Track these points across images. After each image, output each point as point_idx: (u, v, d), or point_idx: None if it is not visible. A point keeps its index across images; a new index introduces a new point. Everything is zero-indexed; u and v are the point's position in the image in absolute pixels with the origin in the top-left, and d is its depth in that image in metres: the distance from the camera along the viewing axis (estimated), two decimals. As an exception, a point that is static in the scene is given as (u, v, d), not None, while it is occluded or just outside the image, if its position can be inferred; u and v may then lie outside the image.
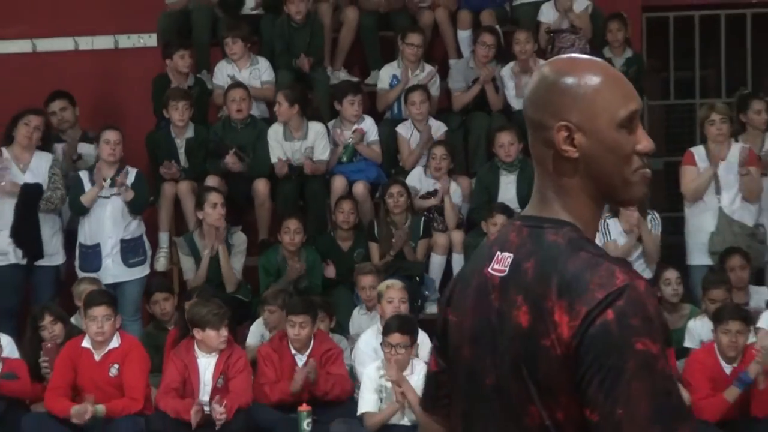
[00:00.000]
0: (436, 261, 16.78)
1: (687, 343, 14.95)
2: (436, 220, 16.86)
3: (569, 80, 4.15)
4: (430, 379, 4.61)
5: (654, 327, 3.88)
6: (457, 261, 16.63)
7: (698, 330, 14.98)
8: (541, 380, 4.01)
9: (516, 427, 4.10)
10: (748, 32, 19.70)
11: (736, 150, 16.60)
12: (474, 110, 17.97)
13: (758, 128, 17.05)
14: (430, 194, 16.88)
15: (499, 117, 17.70)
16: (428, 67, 18.18)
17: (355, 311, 15.79)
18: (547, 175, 4.22)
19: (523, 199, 16.58)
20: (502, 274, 4.16)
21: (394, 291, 14.73)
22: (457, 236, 16.74)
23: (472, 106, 18.00)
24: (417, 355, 13.88)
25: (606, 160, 4.14)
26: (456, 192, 17.10)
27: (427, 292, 16.52)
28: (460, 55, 18.53)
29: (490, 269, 4.21)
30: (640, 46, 18.90)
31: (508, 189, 17.01)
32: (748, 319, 14.11)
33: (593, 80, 4.15)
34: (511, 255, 4.16)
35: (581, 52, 17.82)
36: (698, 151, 16.82)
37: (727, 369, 13.81)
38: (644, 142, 4.12)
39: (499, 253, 4.20)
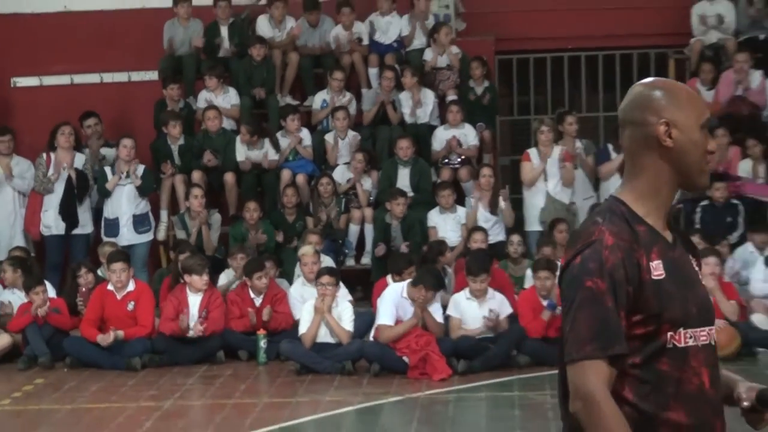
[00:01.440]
0: (353, 229, 16.92)
1: (526, 285, 14.71)
2: (353, 201, 17.05)
3: (666, 91, 4.05)
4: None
5: (604, 271, 3.83)
6: (369, 229, 16.80)
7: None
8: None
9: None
10: (566, 68, 19.52)
11: (557, 151, 16.78)
12: (380, 124, 18.02)
13: (571, 135, 17.06)
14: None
15: (397, 128, 17.70)
16: (348, 94, 18.11)
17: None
18: (632, 163, 4.08)
19: (415, 186, 16.91)
20: None
21: (307, 257, 14.81)
22: (368, 212, 16.87)
23: (378, 120, 18.05)
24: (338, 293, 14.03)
25: (691, 153, 4.01)
26: (367, 181, 17.23)
27: (346, 251, 16.76)
28: (369, 86, 18.38)
29: None
30: (494, 79, 18.71)
31: (403, 178, 17.04)
32: (555, 268, 13.80)
33: (684, 91, 4.09)
34: None
35: (453, 84, 18.10)
36: (532, 152, 16.90)
37: (544, 302, 13.63)
38: (713, 144, 4.06)
39: None
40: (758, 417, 4.10)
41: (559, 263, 14.49)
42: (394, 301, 13.59)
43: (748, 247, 15.78)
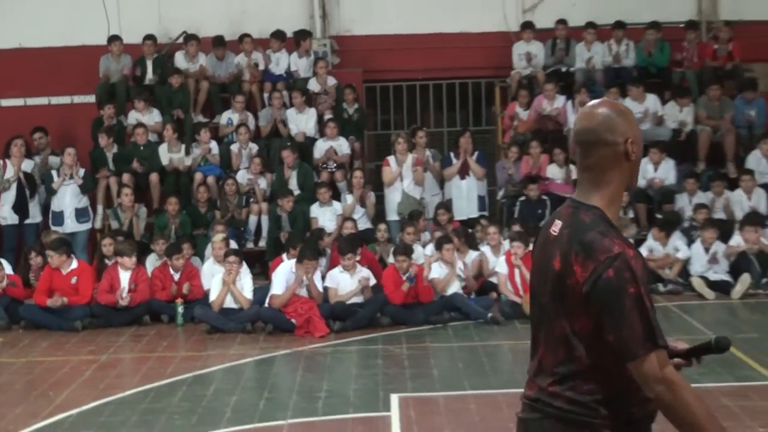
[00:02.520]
0: (252, 220, 16.85)
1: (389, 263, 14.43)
2: (252, 197, 16.96)
3: (624, 114, 3.93)
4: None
5: (638, 278, 3.69)
6: (264, 220, 16.73)
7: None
8: (568, 306, 3.81)
9: (552, 332, 3.87)
10: (417, 94, 19.54)
11: (410, 158, 16.83)
12: (273, 137, 17.97)
13: (422, 146, 17.16)
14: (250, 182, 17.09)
15: (286, 140, 17.65)
16: (248, 114, 18.11)
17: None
18: (599, 176, 3.92)
19: (300, 185, 16.89)
20: (554, 234, 3.89)
21: (217, 243, 14.72)
22: (264, 206, 16.81)
23: (272, 134, 17.96)
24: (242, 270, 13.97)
25: (637, 162, 3.94)
26: (263, 181, 17.11)
27: (247, 236, 16.71)
28: (264, 106, 18.35)
29: (551, 230, 3.92)
30: (362, 102, 18.72)
31: (292, 180, 16.99)
32: (409, 251, 13.92)
33: (631, 112, 3.99)
34: (561, 223, 3.91)
35: (330, 105, 18.13)
36: (391, 159, 16.93)
37: (404, 277, 13.63)
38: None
39: (556, 221, 3.93)
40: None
41: (414, 247, 14.65)
42: (285, 275, 13.58)
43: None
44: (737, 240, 15.32)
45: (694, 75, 18.37)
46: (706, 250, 15.28)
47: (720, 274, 15.15)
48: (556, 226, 3.91)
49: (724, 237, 15.49)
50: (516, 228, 15.20)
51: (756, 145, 17.19)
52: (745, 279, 14.74)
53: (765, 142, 17.02)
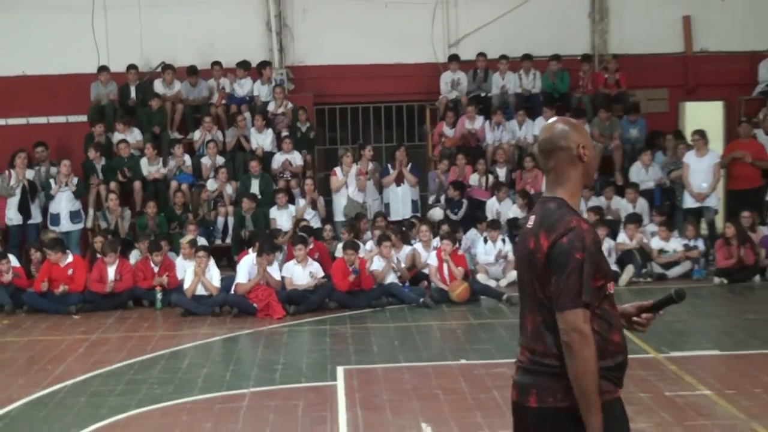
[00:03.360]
0: (220, 220, 16.66)
1: (337, 256, 14.62)
2: (220, 201, 16.82)
3: (573, 125, 4.08)
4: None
5: (586, 247, 3.83)
6: (230, 221, 16.53)
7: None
8: (538, 274, 3.93)
9: (532, 302, 3.98)
10: (360, 115, 19.45)
11: (354, 169, 16.89)
12: (238, 151, 17.85)
13: (367, 159, 17.17)
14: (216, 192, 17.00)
15: (249, 154, 17.54)
16: (217, 131, 18.01)
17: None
18: (559, 175, 4.04)
19: (261, 191, 16.78)
20: (530, 227, 4.02)
21: (184, 244, 14.65)
22: (230, 209, 16.63)
23: (236, 149, 17.86)
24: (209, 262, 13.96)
25: (593, 162, 4.11)
26: (229, 188, 16.97)
27: (215, 234, 16.56)
28: (230, 126, 18.18)
29: (527, 225, 4.04)
30: (313, 121, 18.64)
31: (254, 186, 16.89)
32: (356, 246, 13.97)
33: (580, 124, 4.14)
34: (534, 216, 4.04)
35: (286, 125, 18.06)
36: (338, 170, 16.98)
37: (351, 268, 13.64)
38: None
39: (531, 216, 4.05)
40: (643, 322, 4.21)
41: (362, 244, 14.70)
42: (248, 267, 13.56)
43: (473, 232, 16.09)
44: (623, 237, 15.50)
45: (589, 99, 18.53)
46: (600, 245, 15.40)
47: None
48: (531, 221, 4.03)
49: (614, 235, 15.67)
50: (445, 228, 15.26)
51: (638, 158, 17.38)
52: (630, 269, 14.91)
53: (645, 155, 17.23)
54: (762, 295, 14.19)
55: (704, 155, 16.29)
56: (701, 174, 16.23)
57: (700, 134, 16.47)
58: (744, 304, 13.04)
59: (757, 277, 14.80)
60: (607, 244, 15.31)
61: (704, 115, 18.98)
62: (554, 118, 4.20)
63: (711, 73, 19.00)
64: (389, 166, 17.43)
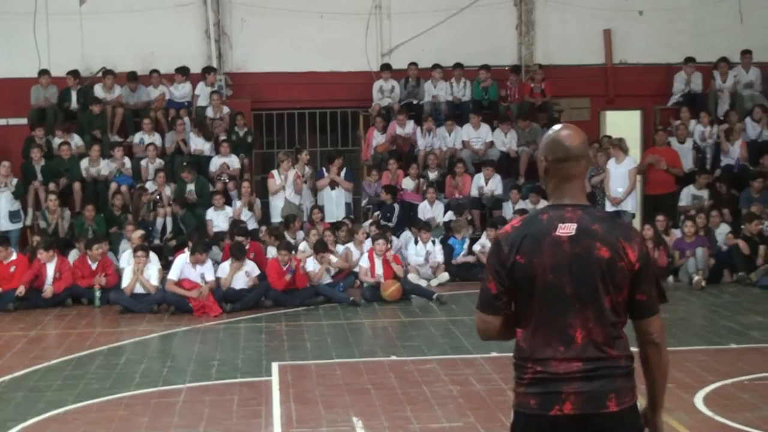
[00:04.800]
0: (159, 221, 16.48)
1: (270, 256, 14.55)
2: (159, 202, 16.61)
3: (584, 136, 3.91)
4: (492, 296, 3.75)
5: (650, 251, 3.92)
6: (168, 221, 16.38)
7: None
8: (615, 282, 3.66)
9: (600, 308, 3.67)
10: (296, 120, 19.31)
11: (292, 172, 16.70)
12: (177, 154, 17.64)
13: (304, 163, 17.08)
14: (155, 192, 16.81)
15: (187, 157, 17.41)
16: (157, 134, 17.80)
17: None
18: (582, 182, 3.82)
19: (199, 193, 16.63)
20: (570, 234, 3.68)
21: (135, 238, 14.56)
22: (168, 210, 16.44)
23: (177, 152, 17.66)
24: (150, 260, 13.80)
25: None
26: (167, 190, 16.70)
27: (154, 234, 16.31)
28: (169, 129, 18.02)
29: (557, 233, 3.68)
30: (251, 126, 18.43)
31: (191, 190, 16.75)
32: (290, 247, 13.96)
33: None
34: (574, 224, 3.70)
35: (224, 129, 17.94)
36: (275, 173, 16.79)
37: (284, 268, 13.57)
38: None
39: (560, 224, 3.70)
40: None
41: (299, 245, 14.60)
42: (180, 264, 13.47)
43: (407, 233, 16.12)
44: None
45: (516, 107, 18.68)
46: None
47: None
48: (568, 229, 3.70)
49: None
50: (374, 229, 15.26)
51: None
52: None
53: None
54: (674, 295, 14.29)
55: (621, 162, 16.51)
56: (618, 179, 16.44)
57: (616, 142, 16.71)
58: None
59: (670, 278, 14.99)
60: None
61: (623, 124, 19.26)
62: (565, 125, 3.94)
63: (629, 84, 19.31)
64: (324, 169, 17.38)
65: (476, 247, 15.71)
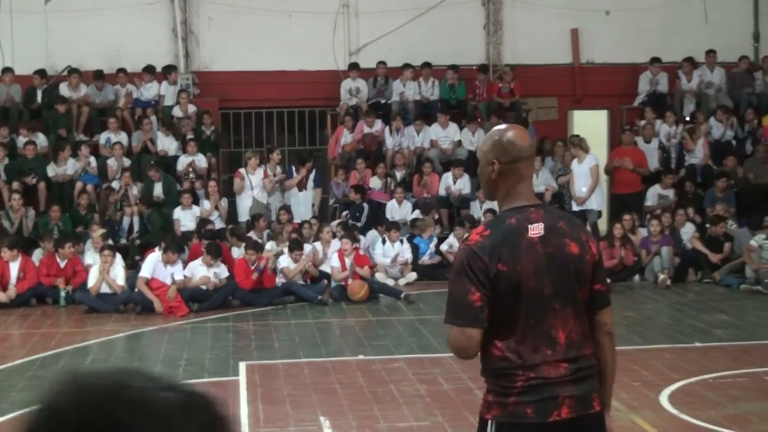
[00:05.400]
0: (126, 220, 16.38)
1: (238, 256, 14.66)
2: (126, 201, 16.55)
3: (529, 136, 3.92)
4: (477, 308, 3.56)
5: None
6: (136, 220, 16.30)
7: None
8: (584, 277, 3.67)
9: (576, 306, 3.65)
10: (264, 119, 19.31)
11: (260, 171, 16.70)
12: (143, 153, 17.58)
13: (275, 162, 17.04)
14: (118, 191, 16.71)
15: (154, 156, 17.36)
16: (123, 134, 17.70)
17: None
18: (530, 181, 3.81)
19: (166, 192, 16.59)
20: (540, 234, 3.64)
21: (96, 237, 14.50)
22: (135, 209, 16.38)
23: (144, 151, 17.57)
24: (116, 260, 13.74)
25: None
26: (134, 189, 16.66)
27: (120, 234, 16.24)
28: (136, 129, 17.91)
29: (529, 234, 3.63)
30: (218, 125, 18.42)
31: (158, 188, 16.66)
32: (259, 248, 13.92)
33: None
34: (541, 223, 3.66)
35: (191, 128, 17.84)
36: (243, 172, 16.75)
37: (253, 266, 13.58)
38: None
39: (530, 225, 3.65)
40: None
41: (265, 244, 14.56)
42: (153, 263, 13.40)
43: (374, 232, 16.11)
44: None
45: (485, 107, 18.73)
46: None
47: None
48: (537, 229, 3.67)
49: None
50: (341, 232, 15.24)
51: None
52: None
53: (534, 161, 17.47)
54: (641, 293, 14.49)
55: (583, 161, 16.61)
56: (582, 179, 16.55)
57: (576, 141, 16.80)
58: (624, 303, 13.28)
59: (637, 277, 15.11)
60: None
61: (590, 123, 19.38)
62: (509, 126, 3.92)
63: (596, 84, 19.41)
64: (293, 169, 17.35)
65: (443, 247, 15.74)
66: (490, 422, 3.68)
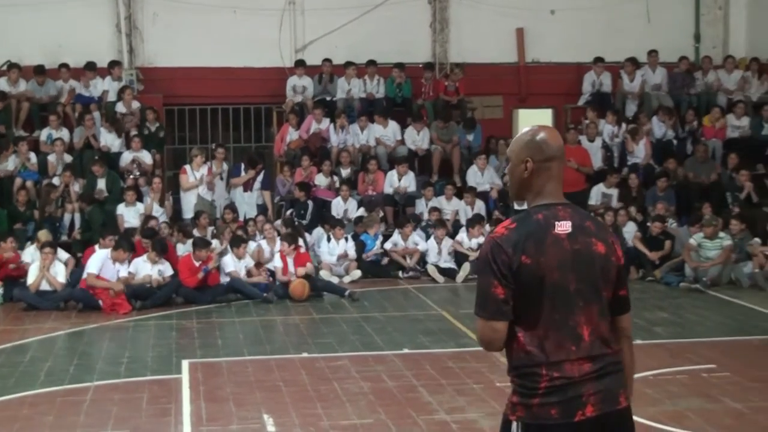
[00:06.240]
0: (67, 217, 16.11)
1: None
2: (68, 198, 16.27)
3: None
4: (501, 301, 3.58)
5: None
6: (77, 217, 16.06)
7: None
8: (609, 278, 3.68)
9: (601, 305, 3.65)
10: (209, 116, 19.30)
11: (205, 168, 16.63)
12: (86, 149, 17.28)
13: (219, 160, 17.02)
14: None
15: (97, 152, 17.08)
16: (65, 130, 17.43)
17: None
18: (561, 181, 3.76)
19: (109, 188, 16.41)
20: (567, 231, 3.64)
21: (43, 236, 14.34)
22: (77, 206, 16.12)
23: (86, 147, 17.31)
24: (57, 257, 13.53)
25: None
26: (77, 185, 16.40)
27: (61, 231, 15.99)
28: (78, 125, 17.64)
29: (556, 231, 3.62)
30: (163, 121, 18.25)
31: (101, 184, 16.46)
32: (208, 245, 13.85)
33: None
34: (569, 221, 3.66)
35: (135, 124, 17.64)
36: (188, 168, 16.69)
37: (199, 264, 13.50)
38: None
39: (557, 222, 3.64)
40: None
41: (213, 242, 14.49)
42: (101, 259, 13.25)
43: (319, 230, 16.06)
44: (462, 237, 15.73)
45: (431, 105, 18.80)
46: (438, 243, 15.64)
47: (448, 262, 15.53)
48: (564, 226, 3.67)
49: (453, 234, 15.91)
50: (285, 230, 15.19)
51: (474, 162, 17.71)
52: (466, 266, 15.13)
53: (480, 159, 17.58)
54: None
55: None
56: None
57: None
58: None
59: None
60: (445, 242, 15.57)
61: (535, 122, 19.22)
62: (542, 126, 3.87)
63: (541, 83, 19.59)
64: (241, 166, 17.28)
65: (388, 245, 15.76)
66: (515, 424, 3.65)
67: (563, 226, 3.65)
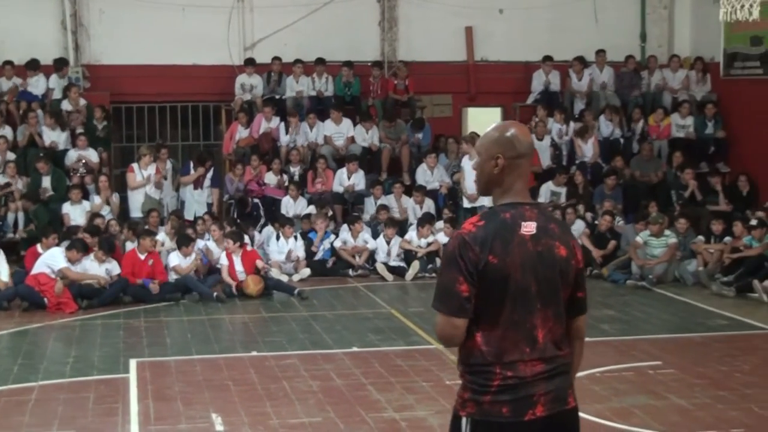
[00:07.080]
0: (10, 216, 15.90)
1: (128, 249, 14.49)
2: (10, 197, 16.09)
3: None
4: (464, 298, 3.55)
5: None
6: (20, 216, 15.90)
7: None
8: (569, 280, 3.69)
9: (558, 307, 3.65)
10: (157, 114, 19.11)
11: (153, 167, 16.51)
12: (30, 147, 17.12)
13: (163, 160, 16.81)
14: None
15: (41, 150, 16.91)
16: (8, 127, 17.14)
17: None
18: (528, 179, 3.82)
19: (54, 186, 16.20)
20: (532, 232, 3.62)
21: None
22: (20, 204, 15.93)
23: (30, 144, 17.11)
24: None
25: None
26: (20, 183, 16.27)
27: (5, 230, 15.80)
28: (22, 122, 17.36)
29: (522, 231, 3.61)
30: (110, 119, 17.94)
31: (45, 182, 16.27)
32: (152, 234, 13.82)
33: None
34: (534, 222, 3.65)
35: (81, 122, 17.47)
36: (135, 166, 16.52)
37: (144, 257, 13.49)
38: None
39: (523, 222, 3.63)
40: None
41: (158, 236, 14.39)
42: (61, 257, 13.09)
43: (269, 228, 16.03)
44: (412, 235, 15.76)
45: (380, 103, 18.82)
46: (387, 242, 15.66)
47: (397, 261, 15.56)
48: (530, 227, 3.66)
49: (402, 232, 15.95)
50: (229, 228, 15.11)
51: (423, 160, 17.78)
52: (416, 265, 15.16)
53: (429, 158, 17.64)
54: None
55: (474, 157, 16.74)
56: (473, 175, 16.60)
57: (468, 138, 17.01)
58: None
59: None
60: (394, 241, 15.60)
61: (485, 121, 19.51)
62: (511, 123, 3.87)
63: (490, 81, 19.69)
64: (190, 164, 17.18)
65: (337, 243, 15.75)
66: (464, 420, 3.65)
67: (529, 227, 3.64)
